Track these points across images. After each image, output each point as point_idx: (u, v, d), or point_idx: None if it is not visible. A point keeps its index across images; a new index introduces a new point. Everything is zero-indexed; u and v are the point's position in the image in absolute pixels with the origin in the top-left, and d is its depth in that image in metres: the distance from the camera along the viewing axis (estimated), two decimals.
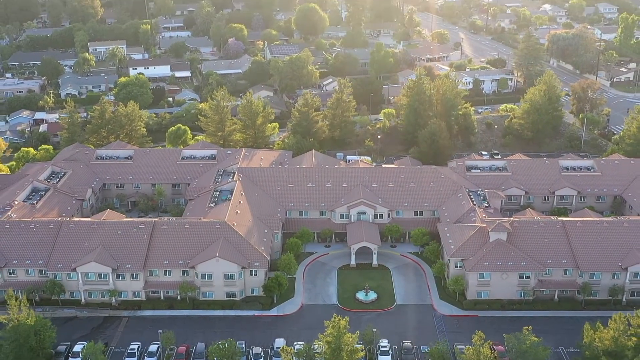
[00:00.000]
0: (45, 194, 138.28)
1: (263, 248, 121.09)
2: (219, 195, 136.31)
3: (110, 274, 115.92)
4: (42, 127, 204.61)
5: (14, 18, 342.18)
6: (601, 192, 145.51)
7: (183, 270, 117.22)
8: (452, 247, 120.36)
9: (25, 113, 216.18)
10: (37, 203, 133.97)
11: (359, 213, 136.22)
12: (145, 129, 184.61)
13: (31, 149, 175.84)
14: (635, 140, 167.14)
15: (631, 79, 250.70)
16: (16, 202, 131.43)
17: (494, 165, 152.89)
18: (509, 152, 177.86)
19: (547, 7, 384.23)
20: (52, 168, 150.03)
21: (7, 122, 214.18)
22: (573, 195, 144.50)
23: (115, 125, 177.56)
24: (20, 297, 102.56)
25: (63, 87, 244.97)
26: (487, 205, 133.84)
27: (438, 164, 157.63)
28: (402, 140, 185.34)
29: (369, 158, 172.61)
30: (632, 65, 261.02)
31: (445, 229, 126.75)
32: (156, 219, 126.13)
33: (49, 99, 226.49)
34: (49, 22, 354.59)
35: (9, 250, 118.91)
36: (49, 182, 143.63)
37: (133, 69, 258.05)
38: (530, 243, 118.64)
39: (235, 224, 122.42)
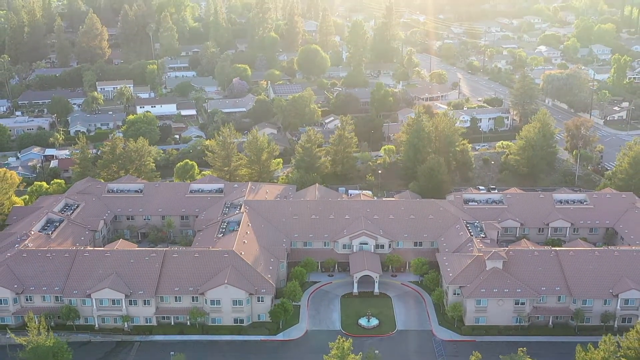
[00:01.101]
0: (59, 225, 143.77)
1: (269, 276, 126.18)
2: (226, 226, 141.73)
3: (123, 300, 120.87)
4: (53, 163, 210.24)
5: (23, 58, 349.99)
6: (594, 224, 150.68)
7: (193, 297, 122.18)
8: (451, 275, 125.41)
9: (36, 149, 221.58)
10: (52, 233, 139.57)
11: (361, 243, 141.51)
12: (154, 164, 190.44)
13: (44, 183, 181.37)
14: (627, 175, 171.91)
15: (624, 117, 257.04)
16: (32, 233, 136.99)
17: (490, 198, 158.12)
18: (506, 187, 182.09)
19: (542, 48, 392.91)
20: (66, 200, 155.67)
21: (18, 158, 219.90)
22: (567, 227, 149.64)
23: (125, 160, 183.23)
24: (37, 321, 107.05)
25: (72, 124, 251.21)
26: (484, 236, 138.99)
27: (437, 198, 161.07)
28: (402, 175, 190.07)
29: (370, 192, 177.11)
30: (625, 104, 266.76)
31: (444, 258, 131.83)
32: (167, 248, 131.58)
33: (58, 136, 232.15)
34: (58, 62, 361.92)
35: (26, 277, 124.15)
36: (63, 213, 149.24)
37: (140, 107, 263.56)
38: (525, 271, 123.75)
39: (242, 253, 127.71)
